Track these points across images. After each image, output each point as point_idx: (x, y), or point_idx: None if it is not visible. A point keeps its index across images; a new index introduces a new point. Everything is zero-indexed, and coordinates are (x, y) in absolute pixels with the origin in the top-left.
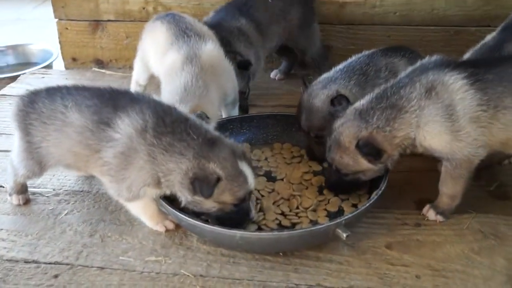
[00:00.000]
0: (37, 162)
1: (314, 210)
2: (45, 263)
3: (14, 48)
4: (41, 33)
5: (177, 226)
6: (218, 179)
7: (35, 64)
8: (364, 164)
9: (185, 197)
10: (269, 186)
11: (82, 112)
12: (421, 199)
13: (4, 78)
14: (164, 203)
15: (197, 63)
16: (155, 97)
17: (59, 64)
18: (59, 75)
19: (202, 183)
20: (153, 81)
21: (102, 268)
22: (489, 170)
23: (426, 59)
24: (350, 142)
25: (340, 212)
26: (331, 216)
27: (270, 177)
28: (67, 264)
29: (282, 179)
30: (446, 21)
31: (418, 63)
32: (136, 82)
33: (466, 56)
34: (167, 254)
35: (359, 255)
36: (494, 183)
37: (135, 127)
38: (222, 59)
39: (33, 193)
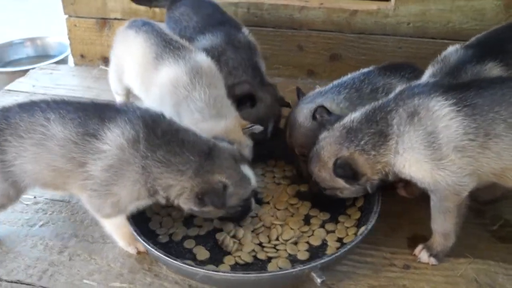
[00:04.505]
0: (11, 184)
1: (295, 243)
2: (6, 281)
3: (32, 40)
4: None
5: None
6: (225, 187)
7: (53, 56)
8: (340, 182)
9: (188, 207)
10: (254, 210)
11: (65, 124)
12: (415, 236)
13: (17, 72)
14: (131, 229)
15: (204, 74)
16: (140, 105)
17: None
18: (67, 72)
19: (212, 196)
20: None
21: None
22: (494, 206)
23: (416, 82)
24: (330, 158)
25: (323, 246)
26: (312, 250)
27: (256, 199)
28: (28, 284)
29: (268, 202)
30: (462, 35)
31: (407, 86)
32: (115, 93)
33: (429, 70)
34: (133, 280)
35: None
36: (498, 221)
37: (127, 137)
38: (215, 67)
39: None
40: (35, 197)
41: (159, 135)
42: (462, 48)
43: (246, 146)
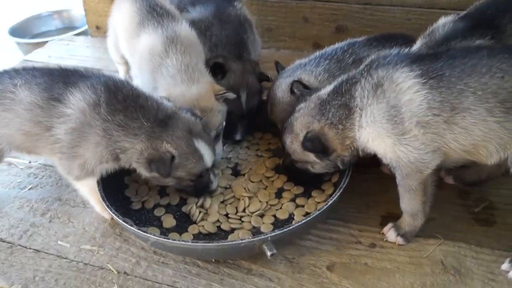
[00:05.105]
0: None
1: (261, 216)
2: None
3: (59, 13)
4: None
5: None
6: (173, 158)
7: (78, 28)
8: (310, 156)
9: (143, 172)
10: (229, 181)
11: (32, 89)
12: (389, 214)
13: (40, 43)
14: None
15: (179, 43)
16: (105, 72)
17: None
18: (82, 43)
19: (158, 163)
20: None
21: (38, 251)
22: (480, 187)
23: (386, 53)
24: (301, 130)
25: (290, 220)
26: (277, 224)
27: (235, 171)
28: (9, 243)
29: (243, 175)
30: None
31: (376, 56)
32: (116, 63)
33: (417, 44)
34: (103, 244)
35: (294, 273)
36: (483, 203)
37: (88, 101)
38: (197, 38)
39: (9, 164)
40: (30, 162)
41: (120, 100)
42: (453, 22)
43: (219, 112)
